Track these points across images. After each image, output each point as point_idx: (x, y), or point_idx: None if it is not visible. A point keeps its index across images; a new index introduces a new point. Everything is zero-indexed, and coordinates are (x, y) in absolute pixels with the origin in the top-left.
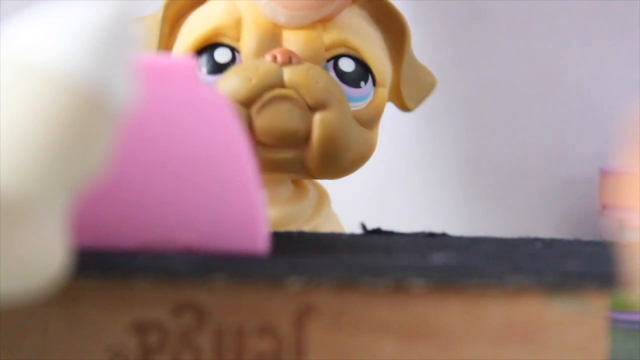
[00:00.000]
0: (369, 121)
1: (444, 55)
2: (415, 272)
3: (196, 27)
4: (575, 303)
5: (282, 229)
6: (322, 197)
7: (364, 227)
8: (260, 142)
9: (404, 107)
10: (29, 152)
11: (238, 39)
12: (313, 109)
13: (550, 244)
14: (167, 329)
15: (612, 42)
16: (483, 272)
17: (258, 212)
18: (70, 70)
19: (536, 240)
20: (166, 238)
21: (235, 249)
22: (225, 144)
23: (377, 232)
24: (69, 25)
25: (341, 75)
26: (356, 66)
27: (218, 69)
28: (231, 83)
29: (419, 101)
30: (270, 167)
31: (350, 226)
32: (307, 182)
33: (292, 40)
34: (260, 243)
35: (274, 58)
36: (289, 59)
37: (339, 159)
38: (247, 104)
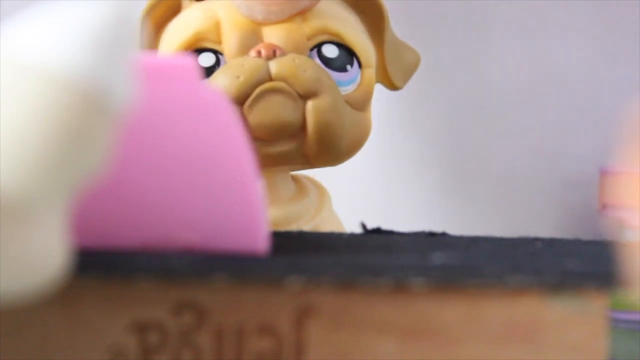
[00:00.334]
0: (361, 103)
1: (444, 55)
2: (416, 271)
3: (176, 35)
4: (575, 303)
5: (284, 228)
6: (323, 196)
7: (364, 226)
8: (256, 138)
9: (392, 86)
10: (29, 152)
11: (219, 42)
12: (304, 97)
13: (550, 244)
14: (167, 329)
15: (612, 42)
16: (483, 272)
17: (258, 212)
18: (70, 70)
19: (536, 240)
20: (166, 238)
21: (235, 249)
22: (225, 144)
23: (377, 232)
24: (69, 25)
25: (326, 61)
26: (340, 51)
27: (204, 73)
28: (219, 83)
29: (406, 79)
30: (269, 162)
31: (350, 226)
32: (308, 181)
33: (273, 35)
34: (260, 243)
35: (259, 53)
36: (273, 52)
37: (336, 144)
38: (237, 101)
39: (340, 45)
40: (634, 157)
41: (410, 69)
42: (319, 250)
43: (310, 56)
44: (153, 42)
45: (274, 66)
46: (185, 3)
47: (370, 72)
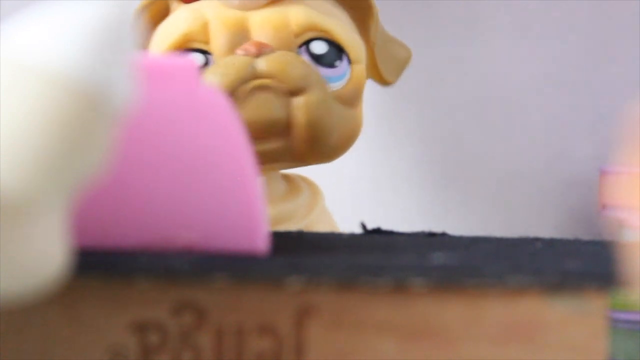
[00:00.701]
0: (350, 99)
1: (444, 55)
2: (416, 271)
3: (165, 37)
4: (575, 303)
5: (277, 226)
6: (316, 195)
7: (364, 227)
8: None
9: (383, 82)
10: (29, 152)
11: (208, 42)
12: (293, 94)
13: (550, 244)
14: (167, 329)
15: (612, 42)
16: (483, 272)
17: (258, 212)
18: (70, 70)
19: (536, 240)
20: (166, 238)
21: (235, 249)
22: (225, 144)
23: (377, 232)
24: (68, 26)
25: (315, 58)
26: (329, 47)
27: None
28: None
29: (397, 74)
30: (259, 160)
31: (350, 226)
32: (300, 180)
33: (261, 33)
34: (260, 243)
35: (246, 51)
36: (261, 50)
37: (325, 140)
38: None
39: (329, 42)
40: (634, 157)
41: (401, 64)
42: (319, 250)
43: (299, 53)
44: (143, 44)
45: (262, 63)
46: (173, 5)
47: (360, 68)
